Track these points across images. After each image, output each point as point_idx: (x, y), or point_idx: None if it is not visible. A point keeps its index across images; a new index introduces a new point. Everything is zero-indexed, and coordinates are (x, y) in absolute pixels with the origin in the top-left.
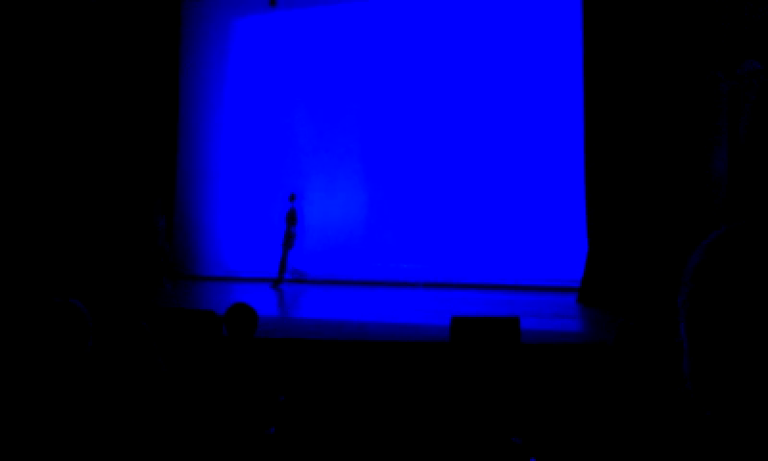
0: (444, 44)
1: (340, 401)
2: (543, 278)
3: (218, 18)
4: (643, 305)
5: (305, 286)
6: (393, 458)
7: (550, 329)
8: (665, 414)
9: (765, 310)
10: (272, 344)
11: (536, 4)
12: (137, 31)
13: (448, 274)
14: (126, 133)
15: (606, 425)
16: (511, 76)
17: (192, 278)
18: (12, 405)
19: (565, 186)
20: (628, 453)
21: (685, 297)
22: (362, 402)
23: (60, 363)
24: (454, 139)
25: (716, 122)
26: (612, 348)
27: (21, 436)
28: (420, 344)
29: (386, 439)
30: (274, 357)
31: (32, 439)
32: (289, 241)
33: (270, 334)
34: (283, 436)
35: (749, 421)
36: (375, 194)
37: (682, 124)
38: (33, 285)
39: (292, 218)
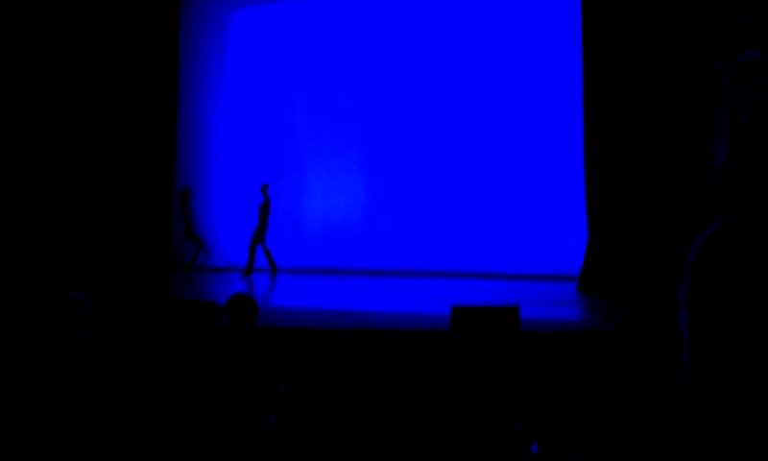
0: (443, 33)
1: (340, 391)
2: (543, 266)
3: (217, 10)
4: (643, 293)
5: (304, 276)
6: (393, 448)
7: (550, 318)
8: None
9: (764, 302)
10: (272, 333)
11: None
12: (136, 20)
13: (448, 262)
14: (126, 125)
15: (606, 412)
16: (510, 65)
17: (191, 267)
18: (13, 396)
19: (565, 175)
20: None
21: (685, 288)
22: (362, 392)
23: (62, 354)
24: (454, 128)
25: (716, 112)
26: (612, 335)
27: (23, 427)
28: (420, 333)
29: (386, 428)
30: (274, 347)
31: (33, 430)
32: (262, 232)
33: (270, 324)
34: (284, 426)
35: (748, 411)
36: (375, 183)
37: (681, 114)
38: (34, 277)
39: (266, 209)
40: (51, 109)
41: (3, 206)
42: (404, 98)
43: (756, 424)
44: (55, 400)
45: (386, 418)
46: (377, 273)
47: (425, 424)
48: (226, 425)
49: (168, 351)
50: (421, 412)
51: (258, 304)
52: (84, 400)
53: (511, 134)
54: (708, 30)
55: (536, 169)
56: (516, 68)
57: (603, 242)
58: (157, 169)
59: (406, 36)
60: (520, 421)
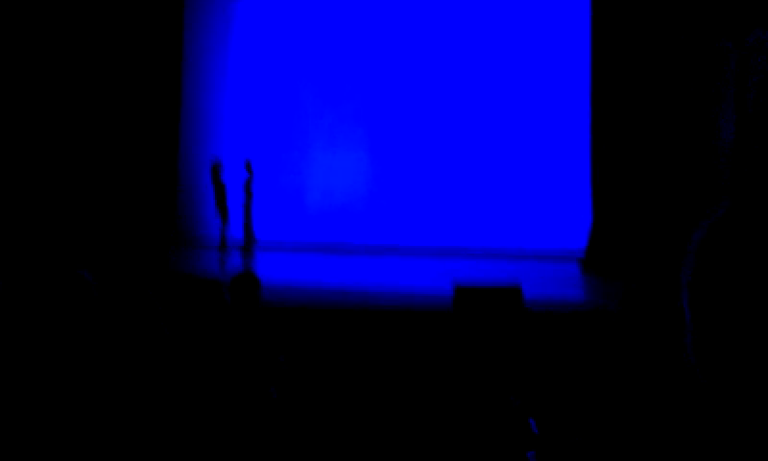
0: (448, 11)
1: (342, 369)
2: (548, 245)
3: None
4: (647, 274)
5: (307, 252)
6: (393, 423)
7: (554, 297)
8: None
9: (767, 287)
10: (275, 311)
11: None
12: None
13: (452, 240)
14: (130, 101)
15: (608, 391)
16: (515, 41)
17: (197, 244)
18: (18, 375)
19: (570, 154)
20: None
21: (689, 272)
22: (365, 371)
23: (65, 332)
24: (459, 105)
25: (724, 92)
26: (616, 314)
27: (26, 406)
28: (423, 311)
29: (387, 404)
30: (277, 324)
31: (37, 409)
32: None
33: (274, 301)
34: (285, 400)
35: (750, 395)
36: (378, 160)
37: (689, 93)
38: (39, 256)
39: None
40: (56, 85)
41: (6, 184)
42: (408, 75)
43: (758, 408)
44: (58, 377)
45: (387, 395)
46: (380, 249)
47: (427, 402)
48: (227, 401)
49: (170, 325)
50: (423, 390)
51: (261, 282)
52: (88, 375)
53: (516, 112)
54: (717, 9)
55: (540, 147)
56: (520, 44)
57: (607, 221)
58: (162, 144)
59: (411, 15)
60: (523, 399)
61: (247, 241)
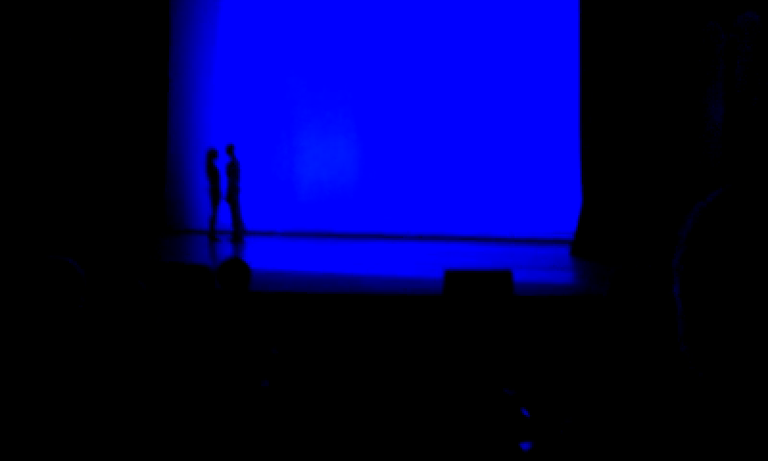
0: (437, 3)
1: (333, 355)
2: (537, 230)
3: None
4: (637, 257)
5: (297, 239)
6: (386, 412)
7: (544, 282)
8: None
9: (759, 274)
10: (265, 298)
11: None
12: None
13: (442, 226)
14: (117, 91)
15: (598, 378)
16: (503, 31)
17: (186, 231)
18: (6, 366)
19: (560, 138)
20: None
21: (680, 259)
22: (355, 356)
23: (54, 321)
24: (448, 92)
25: (713, 74)
26: (605, 299)
27: (14, 395)
28: (414, 297)
29: (379, 392)
30: (266, 311)
31: (24, 397)
32: (235, 194)
33: (263, 288)
34: (277, 389)
35: (741, 384)
36: (368, 147)
37: (678, 75)
38: (26, 243)
39: (234, 171)
40: (44, 77)
41: None
42: (398, 63)
43: (749, 398)
44: (47, 366)
45: (379, 382)
46: (371, 236)
47: (419, 388)
48: (218, 389)
49: (161, 314)
50: (415, 376)
51: (251, 268)
52: (77, 365)
53: (504, 97)
54: None
55: (530, 132)
56: (509, 34)
57: (597, 206)
58: (150, 133)
59: (399, 3)
60: (512, 384)
61: (236, 228)
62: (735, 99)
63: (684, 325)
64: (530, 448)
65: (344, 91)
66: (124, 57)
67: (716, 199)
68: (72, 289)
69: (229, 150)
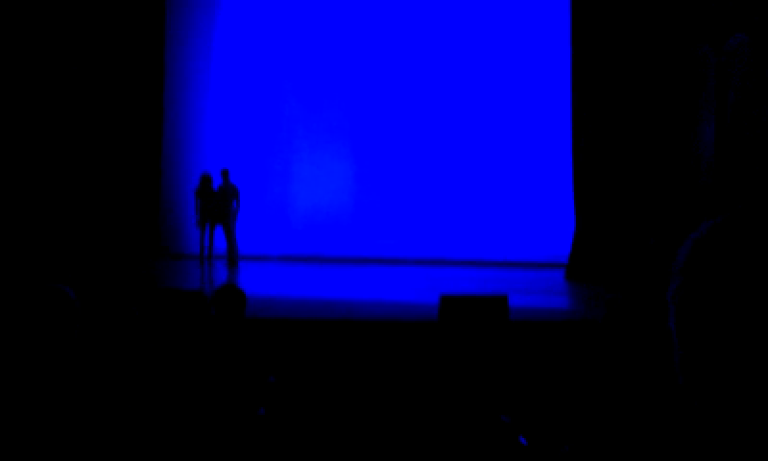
0: (431, 21)
1: (329, 381)
2: (532, 254)
3: None
4: (631, 281)
5: (292, 264)
6: (383, 438)
7: (539, 306)
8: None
9: (756, 305)
10: (260, 324)
11: None
12: (122, 6)
13: (436, 250)
14: (111, 115)
15: (594, 404)
16: (497, 54)
17: (180, 256)
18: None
19: (553, 162)
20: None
21: (674, 291)
22: (351, 382)
23: (48, 348)
24: (442, 117)
25: (704, 97)
26: (601, 325)
27: (8, 423)
28: (409, 322)
29: (376, 419)
30: (263, 337)
31: (19, 425)
32: (232, 217)
33: (259, 314)
34: (273, 417)
35: (738, 416)
36: (363, 171)
37: (669, 99)
38: (20, 271)
39: (227, 195)
40: (34, 100)
41: None
42: (393, 87)
43: (746, 428)
44: (42, 394)
45: (375, 408)
46: (366, 261)
47: (415, 414)
48: (214, 417)
49: (155, 341)
50: (411, 402)
51: (246, 294)
52: (72, 393)
53: (498, 122)
54: (696, 13)
55: (523, 156)
56: (502, 57)
57: (590, 229)
58: (144, 158)
59: (395, 25)
60: (509, 411)
61: (230, 253)
62: (727, 121)
63: (679, 356)
64: None
65: (338, 115)
66: (119, 82)
67: (710, 229)
68: (67, 317)
69: (224, 174)
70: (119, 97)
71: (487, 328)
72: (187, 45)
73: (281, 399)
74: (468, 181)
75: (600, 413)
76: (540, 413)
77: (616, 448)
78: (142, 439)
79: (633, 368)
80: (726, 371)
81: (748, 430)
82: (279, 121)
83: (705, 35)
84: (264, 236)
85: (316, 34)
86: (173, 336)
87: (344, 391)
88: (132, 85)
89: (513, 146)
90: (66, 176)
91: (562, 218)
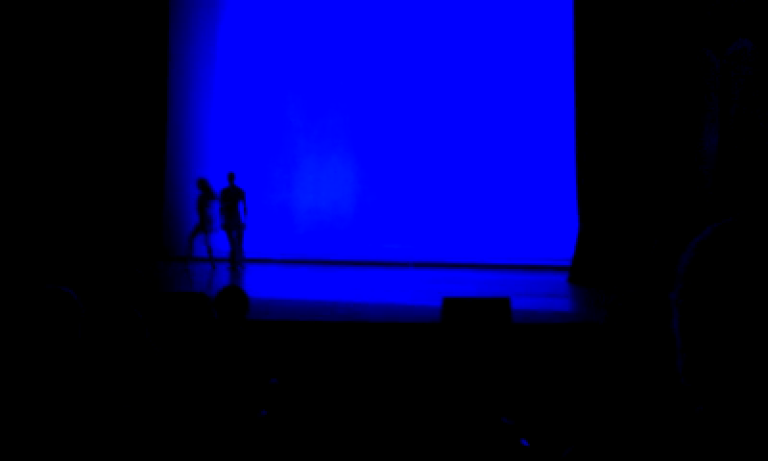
0: (434, 24)
1: (331, 383)
2: (535, 257)
3: None
4: (634, 284)
5: (295, 267)
6: (385, 440)
7: (542, 309)
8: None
9: (758, 308)
10: (263, 326)
11: None
12: (126, 9)
13: (440, 253)
14: (114, 117)
15: (597, 407)
16: (500, 55)
17: (183, 259)
18: (2, 395)
19: (556, 165)
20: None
21: (678, 294)
22: (353, 384)
23: (51, 351)
24: (445, 119)
25: (707, 102)
26: (603, 328)
27: (11, 426)
28: (412, 325)
29: (378, 421)
30: (265, 340)
31: (22, 429)
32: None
33: (262, 316)
34: (275, 419)
35: (741, 417)
36: (366, 174)
37: (672, 103)
38: (23, 273)
39: (232, 197)
40: (38, 101)
41: None
42: (395, 89)
43: (749, 430)
44: (45, 397)
45: (377, 410)
46: (369, 264)
47: (417, 416)
48: (217, 419)
49: (159, 343)
50: (413, 404)
51: (249, 296)
52: (75, 395)
53: (501, 125)
54: (699, 18)
55: (526, 160)
56: (505, 59)
57: (594, 232)
58: (147, 160)
59: (398, 28)
60: (511, 413)
61: (233, 256)
62: (730, 124)
63: (683, 359)
64: None
65: (342, 118)
66: (123, 85)
67: (713, 233)
68: (70, 319)
69: (230, 177)
70: (123, 100)
71: (489, 331)
72: (191, 48)
73: (283, 401)
74: (471, 184)
75: (602, 416)
76: (543, 416)
77: (618, 451)
78: (145, 441)
79: (635, 371)
80: (728, 373)
81: (751, 432)
82: (283, 124)
83: (708, 39)
84: (267, 239)
85: (319, 37)
86: (175, 339)
87: (346, 393)
88: (135, 89)
89: (516, 149)
90: (69, 178)
91: (565, 221)
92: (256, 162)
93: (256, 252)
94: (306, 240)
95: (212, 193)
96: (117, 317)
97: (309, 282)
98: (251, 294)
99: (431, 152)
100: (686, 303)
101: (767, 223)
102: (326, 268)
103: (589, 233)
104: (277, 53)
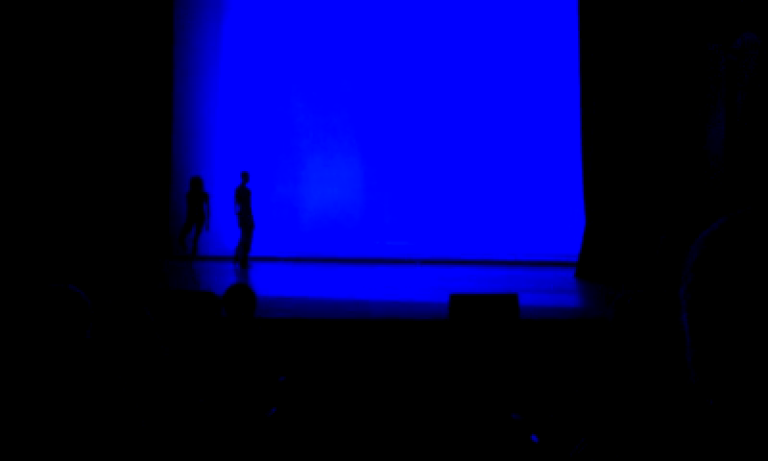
0: (439, 19)
1: (339, 381)
2: (542, 253)
3: None
4: (642, 279)
5: (302, 264)
6: (394, 437)
7: (549, 305)
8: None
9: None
10: (271, 324)
11: None
12: (131, 7)
13: (446, 250)
14: (120, 115)
15: (606, 403)
16: (506, 51)
17: (190, 257)
18: (11, 395)
19: (563, 160)
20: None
21: (686, 288)
22: (362, 381)
23: (60, 350)
24: (451, 116)
25: (713, 95)
26: (611, 325)
27: (21, 425)
28: (420, 322)
29: (387, 418)
30: (273, 337)
31: (32, 427)
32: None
33: (269, 314)
34: (284, 417)
35: (752, 412)
36: (372, 171)
37: (679, 97)
38: (32, 272)
39: (247, 198)
40: (44, 100)
41: (1, 200)
42: (401, 86)
43: (760, 426)
44: (54, 395)
45: (386, 407)
46: (376, 261)
47: (426, 413)
48: (226, 417)
49: (168, 342)
50: (421, 401)
51: (256, 294)
52: (84, 394)
53: (507, 121)
54: (705, 11)
55: (533, 155)
56: (511, 54)
57: (601, 227)
58: (154, 158)
59: (404, 23)
60: (520, 409)
61: (241, 253)
62: (736, 118)
63: (692, 354)
64: None
65: (348, 116)
66: (129, 83)
67: (722, 227)
68: (79, 319)
69: (244, 176)
70: (129, 99)
71: (497, 327)
72: (196, 47)
73: (292, 398)
74: (478, 180)
75: (612, 411)
76: (552, 411)
77: (628, 446)
78: (154, 439)
79: (644, 366)
80: (739, 368)
81: (762, 427)
82: (289, 122)
83: (714, 33)
84: (274, 237)
85: (324, 35)
86: (184, 337)
87: (354, 390)
88: (141, 87)
89: (522, 144)
90: (76, 177)
91: (572, 216)
92: (263, 161)
93: (263, 250)
94: (313, 238)
95: (205, 193)
96: (127, 316)
97: (316, 280)
98: (258, 292)
99: (437, 149)
100: (695, 297)
101: None
102: (333, 266)
103: (596, 228)
104: (283, 51)
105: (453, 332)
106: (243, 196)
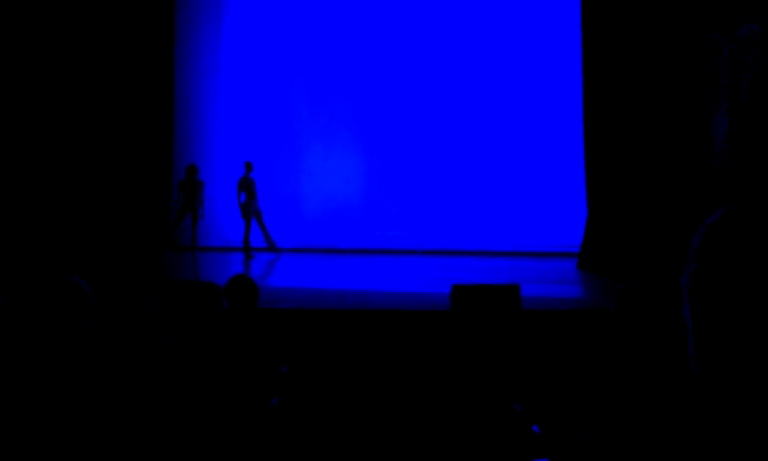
0: (440, 12)
1: (341, 371)
2: (544, 243)
3: None
4: (644, 270)
5: (304, 255)
6: (395, 428)
7: (551, 296)
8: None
9: None
10: (273, 314)
11: None
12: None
13: (448, 241)
14: (121, 107)
15: (608, 393)
16: (508, 42)
17: (192, 248)
18: (13, 387)
19: (565, 151)
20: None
21: (688, 277)
22: (363, 372)
23: (62, 342)
24: (452, 106)
25: (716, 87)
26: (613, 313)
27: (22, 417)
28: (422, 312)
29: (388, 409)
30: (275, 328)
31: (33, 419)
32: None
33: (271, 305)
34: (286, 407)
35: (754, 401)
36: (374, 162)
37: (681, 88)
38: (34, 263)
39: (252, 188)
40: (46, 93)
41: (1, 191)
42: (402, 77)
43: (762, 416)
44: (56, 387)
45: (388, 398)
46: (377, 252)
47: (427, 404)
48: (227, 408)
49: (169, 333)
50: (423, 392)
51: (258, 285)
52: (86, 386)
53: (509, 112)
54: (707, 2)
55: (534, 146)
56: (513, 45)
57: (603, 218)
58: (155, 149)
59: (404, 15)
60: (522, 400)
61: (245, 244)
62: (740, 110)
63: (694, 343)
64: None
65: (349, 108)
66: (131, 76)
67: (724, 216)
68: (81, 310)
69: (249, 167)
70: (131, 92)
71: (499, 318)
72: (197, 42)
73: (294, 389)
74: (479, 170)
75: (613, 402)
76: (553, 402)
77: (630, 437)
78: (155, 431)
79: (646, 356)
80: (741, 358)
81: (763, 418)
82: (290, 115)
83: (716, 23)
84: (276, 228)
85: (325, 28)
86: (186, 328)
87: (356, 381)
88: (143, 80)
89: (524, 135)
90: (79, 170)
91: (574, 207)
92: (264, 152)
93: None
94: (315, 229)
95: (200, 181)
96: (129, 308)
97: (318, 271)
98: (260, 282)
99: (439, 140)
100: (697, 286)
101: None
102: (335, 256)
103: (598, 219)
104: (283, 43)
105: (455, 323)
106: (248, 186)
